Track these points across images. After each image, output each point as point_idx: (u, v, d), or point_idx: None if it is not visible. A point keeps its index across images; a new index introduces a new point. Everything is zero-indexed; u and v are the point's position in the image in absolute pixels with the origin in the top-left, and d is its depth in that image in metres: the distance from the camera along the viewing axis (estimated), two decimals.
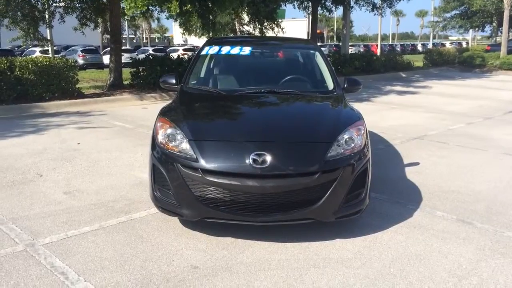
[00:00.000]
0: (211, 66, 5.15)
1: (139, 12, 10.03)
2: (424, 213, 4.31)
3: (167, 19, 14.62)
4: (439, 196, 4.76)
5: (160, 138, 3.74)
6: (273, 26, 16.77)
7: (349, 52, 23.45)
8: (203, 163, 3.42)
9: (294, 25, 49.81)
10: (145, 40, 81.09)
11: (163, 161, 3.62)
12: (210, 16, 11.92)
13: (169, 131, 3.73)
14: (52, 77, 10.43)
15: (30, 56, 14.85)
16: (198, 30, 12.52)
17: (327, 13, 20.44)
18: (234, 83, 4.82)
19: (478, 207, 4.45)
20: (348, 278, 3.12)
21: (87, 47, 31.91)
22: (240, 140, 3.56)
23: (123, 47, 35.62)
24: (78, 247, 3.52)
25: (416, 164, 5.98)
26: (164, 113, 4.07)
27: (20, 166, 5.63)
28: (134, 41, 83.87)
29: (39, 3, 13.88)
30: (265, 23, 16.28)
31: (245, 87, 4.62)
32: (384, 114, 10.20)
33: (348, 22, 21.38)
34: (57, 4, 14.71)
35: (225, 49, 5.03)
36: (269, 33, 16.87)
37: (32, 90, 10.13)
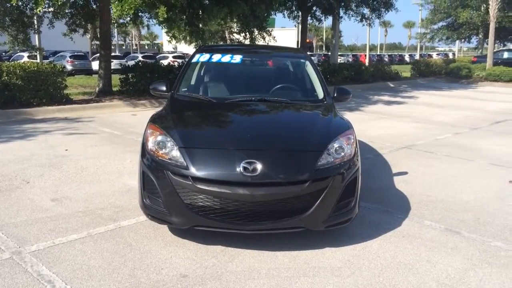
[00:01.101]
0: (202, 74, 5.15)
1: (126, 17, 9.99)
2: (413, 222, 4.34)
3: (154, 25, 14.58)
4: (427, 206, 4.79)
5: (150, 145, 3.72)
6: (264, 35, 16.87)
7: (338, 61, 23.69)
8: (193, 170, 3.41)
9: (284, 34, 50.09)
10: (134, 47, 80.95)
11: (153, 168, 3.60)
12: (200, 24, 11.94)
13: (159, 138, 3.72)
14: (40, 83, 10.35)
15: (18, 61, 14.69)
16: (187, 38, 12.51)
17: (317, 23, 20.60)
18: (225, 91, 4.82)
19: (466, 217, 4.49)
20: (338, 287, 3.13)
21: (75, 53, 31.69)
22: (231, 148, 3.56)
23: (113, 54, 35.47)
24: (65, 255, 3.47)
25: (404, 173, 6.02)
26: (155, 120, 4.06)
27: (6, 173, 5.55)
28: (124, 47, 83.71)
29: (27, 8, 13.79)
30: (256, 33, 16.36)
31: (236, 95, 4.63)
32: (373, 123, 10.28)
33: (337, 32, 21.58)
34: (46, 10, 14.61)
35: (216, 57, 5.04)
36: (260, 42, 16.96)
37: (19, 95, 10.04)
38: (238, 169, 3.36)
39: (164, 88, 4.77)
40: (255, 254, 3.58)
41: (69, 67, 29.69)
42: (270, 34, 17.24)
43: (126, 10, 9.93)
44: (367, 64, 27.14)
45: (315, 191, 3.46)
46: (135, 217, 4.22)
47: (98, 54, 30.59)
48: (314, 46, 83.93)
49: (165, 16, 10.20)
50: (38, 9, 10.28)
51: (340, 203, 3.61)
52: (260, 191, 3.35)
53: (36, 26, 14.45)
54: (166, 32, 12.35)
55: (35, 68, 10.31)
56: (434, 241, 3.93)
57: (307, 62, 5.18)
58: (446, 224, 4.31)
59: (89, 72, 27.75)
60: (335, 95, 4.87)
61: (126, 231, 3.93)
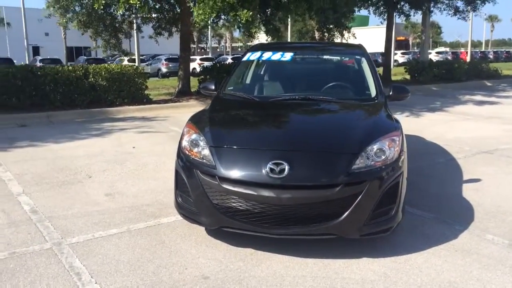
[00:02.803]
0: (251, 72, 5.08)
1: (207, 20, 10.19)
2: (472, 235, 3.88)
3: (233, 26, 14.79)
4: (495, 218, 4.27)
5: (184, 143, 3.72)
6: (343, 32, 16.34)
7: (436, 59, 22.25)
8: (220, 170, 3.34)
9: (376, 32, 48.39)
10: (228, 49, 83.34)
11: (184, 167, 3.59)
12: (277, 23, 11.85)
13: (193, 136, 3.70)
14: (123, 84, 10.98)
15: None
16: (266, 36, 12.46)
17: (404, 18, 19.53)
18: (271, 89, 4.70)
19: None
20: None
21: (171, 56, 33.29)
22: (260, 148, 3.44)
23: (205, 56, 36.62)
24: (100, 248, 3.59)
25: (477, 180, 5.45)
26: (192, 119, 4.06)
27: (74, 167, 5.92)
28: (218, 50, 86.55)
29: (118, 15, 14.73)
30: (334, 30, 15.91)
31: (282, 94, 4.49)
32: (455, 124, 9.50)
33: (428, 27, 20.34)
34: (135, 16, 15.48)
35: (267, 55, 4.93)
36: (339, 40, 16.48)
37: (104, 95, 10.73)
38: (264, 170, 3.23)
39: (213, 87, 4.77)
40: (285, 260, 3.42)
41: (164, 69, 31.41)
42: (349, 31, 16.65)
43: (207, 13, 10.14)
44: (468, 61, 25.26)
45: (348, 196, 3.22)
46: (176, 215, 4.22)
47: (192, 57, 31.69)
48: (411, 43, 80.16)
49: (249, 18, 10.24)
50: (119, 12, 10.88)
51: (378, 211, 3.32)
52: (287, 194, 3.19)
53: (125, 31, 15.38)
54: (243, 32, 12.44)
55: (119, 70, 10.96)
56: (492, 257, 3.47)
57: (363, 59, 4.87)
58: (511, 239, 3.80)
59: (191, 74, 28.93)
60: (391, 93, 4.53)
61: (164, 228, 3.98)
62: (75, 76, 10.36)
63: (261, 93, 4.65)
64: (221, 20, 12.07)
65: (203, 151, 3.54)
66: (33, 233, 3.86)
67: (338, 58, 5.27)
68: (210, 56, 43.05)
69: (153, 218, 4.22)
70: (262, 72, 5.09)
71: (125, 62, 33.87)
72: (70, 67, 10.77)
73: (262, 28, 11.83)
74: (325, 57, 5.32)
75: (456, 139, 7.90)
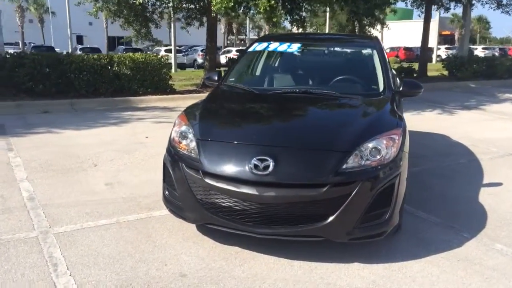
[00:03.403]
0: (254, 64, 4.89)
1: (225, 9, 10.04)
2: (479, 244, 3.59)
3: (253, 16, 14.49)
4: (508, 226, 3.95)
5: (173, 134, 3.61)
6: (376, 24, 15.77)
7: (481, 55, 21.17)
8: (204, 164, 3.20)
9: (421, 26, 46.75)
10: None
11: (171, 159, 3.47)
12: (304, 13, 11.53)
13: (183, 128, 3.57)
14: (147, 73, 10.99)
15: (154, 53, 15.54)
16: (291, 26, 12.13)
17: (443, 12, 18.73)
18: (272, 81, 4.51)
19: None
20: None
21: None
22: (245, 143, 3.27)
23: (242, 48, 36.46)
24: (84, 239, 3.52)
25: (497, 184, 5.08)
26: (186, 110, 3.93)
27: (82, 155, 5.93)
28: None
29: (149, 4, 14.79)
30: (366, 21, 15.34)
31: (282, 87, 4.29)
32: (487, 124, 8.99)
33: (469, 21, 19.45)
34: (166, 5, 15.49)
35: (273, 46, 4.74)
36: (373, 32, 15.92)
37: (128, 84, 10.78)
38: (248, 166, 3.06)
39: (216, 78, 4.62)
40: (271, 261, 3.25)
41: (200, 60, 31.54)
42: (384, 23, 16.03)
43: (225, 2, 10.01)
44: None
45: (337, 197, 3.01)
46: None
47: (227, 48, 31.50)
48: (456, 38, 77.24)
49: (267, 7, 10.05)
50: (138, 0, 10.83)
51: (370, 214, 3.10)
52: (271, 192, 3.01)
53: (156, 21, 15.41)
54: (267, 23, 12.20)
55: (143, 60, 10.97)
56: (497, 270, 3.19)
57: (374, 52, 4.59)
58: None
59: (217, 65, 28.99)
60: (401, 89, 4.25)
61: (153, 222, 3.88)
62: (100, 64, 10.44)
63: (262, 85, 4.47)
64: (241, 9, 11.81)
65: (191, 144, 3.40)
66: (24, 220, 3.85)
67: (348, 50, 4.99)
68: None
69: (146, 210, 4.13)
70: (265, 64, 4.90)
71: (162, 52, 34.53)
72: (95, 56, 10.87)
73: (288, 17, 11.55)
74: (333, 49, 5.07)
75: (484, 139, 7.45)
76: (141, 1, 11.28)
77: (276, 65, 4.89)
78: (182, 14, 15.66)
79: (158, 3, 14.74)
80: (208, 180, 3.15)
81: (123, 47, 38.18)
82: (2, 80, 9.78)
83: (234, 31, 71.05)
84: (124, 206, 4.22)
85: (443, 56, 38.91)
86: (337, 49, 5.06)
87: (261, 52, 4.88)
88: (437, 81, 16.72)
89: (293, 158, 3.13)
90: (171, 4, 15.40)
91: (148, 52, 21.28)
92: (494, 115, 10.27)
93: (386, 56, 4.69)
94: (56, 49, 36.81)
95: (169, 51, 28.88)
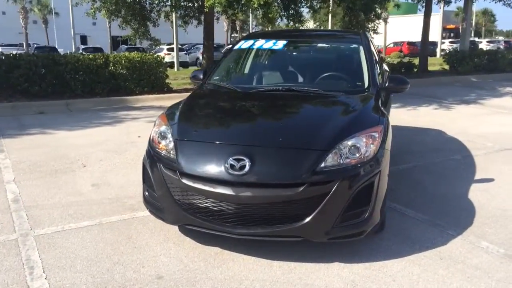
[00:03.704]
0: (239, 61, 4.83)
1: (218, 6, 9.97)
2: (465, 242, 3.53)
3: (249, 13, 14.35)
4: (496, 223, 3.88)
5: (153, 135, 3.56)
6: (373, 19, 15.58)
7: (487, 48, 20.93)
8: (180, 164, 3.15)
9: (422, 20, 46.27)
10: None
11: (150, 160, 3.44)
12: (300, 7, 11.39)
13: (162, 128, 3.54)
14: (143, 72, 10.95)
15: (157, 53, 15.49)
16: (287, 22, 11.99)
17: (444, 5, 18.53)
18: (255, 79, 4.45)
19: None
20: None
21: None
22: (222, 142, 3.23)
23: None
24: (64, 241, 3.49)
25: (489, 180, 5.01)
26: (167, 110, 3.89)
27: (72, 156, 5.91)
28: None
29: (147, 3, 14.75)
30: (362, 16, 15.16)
31: (264, 85, 4.24)
32: (484, 119, 8.89)
33: (469, 15, 19.25)
34: (164, 4, 15.46)
35: (258, 44, 4.68)
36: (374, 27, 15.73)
37: (124, 84, 10.76)
38: (224, 166, 3.01)
39: (201, 77, 4.58)
40: (250, 262, 3.21)
41: (202, 58, 31.53)
42: (380, 17, 15.80)
43: None
44: None
45: (314, 196, 2.96)
46: None
47: (229, 46, 31.31)
48: (461, 31, 76.65)
49: (261, 2, 9.94)
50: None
51: (348, 213, 3.04)
52: (246, 192, 2.96)
53: (154, 19, 15.37)
54: (262, 18, 12.10)
55: (139, 59, 10.93)
56: (480, 268, 3.13)
57: (360, 47, 4.52)
58: (508, 248, 3.42)
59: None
60: (387, 84, 4.19)
61: (136, 223, 3.85)
62: (96, 64, 10.42)
63: (245, 84, 4.42)
64: (234, 5, 11.68)
65: (170, 145, 3.36)
66: (6, 222, 3.83)
67: (333, 46, 4.92)
68: None
69: (130, 211, 4.10)
70: (249, 62, 4.84)
71: (164, 51, 34.68)
72: (90, 56, 10.85)
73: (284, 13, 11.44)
74: (319, 45, 4.99)
75: (481, 134, 7.36)
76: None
77: (261, 63, 4.83)
78: (180, 12, 15.64)
79: (156, 2, 14.72)
80: (185, 181, 3.11)
81: (125, 46, 38.27)
82: None
83: (238, 28, 71.00)
84: (108, 207, 4.19)
85: (448, 50, 38.67)
86: (322, 45, 4.99)
87: (246, 50, 4.82)
88: (437, 75, 16.59)
89: (269, 157, 3.08)
90: (169, 2, 15.41)
91: (151, 52, 21.26)
92: (493, 109, 10.17)
93: (375, 52, 4.61)
94: (59, 50, 36.99)
95: (172, 49, 28.90)
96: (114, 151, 6.17)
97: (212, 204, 3.07)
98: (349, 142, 3.14)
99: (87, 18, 14.59)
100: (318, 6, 12.72)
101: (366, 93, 3.96)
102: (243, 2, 9.77)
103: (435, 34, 41.92)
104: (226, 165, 3.01)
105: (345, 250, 3.32)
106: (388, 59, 23.26)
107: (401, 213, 4.07)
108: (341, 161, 3.07)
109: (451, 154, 6.16)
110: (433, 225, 3.82)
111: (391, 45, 44.66)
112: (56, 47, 40.88)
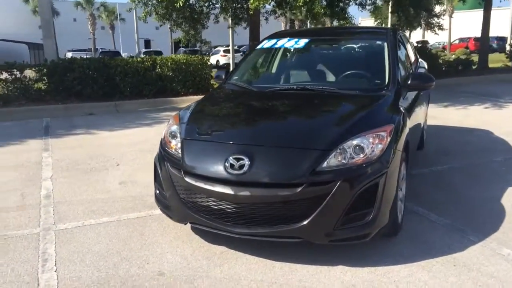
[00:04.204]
0: (259, 61, 4.83)
1: (263, 7, 9.99)
2: (485, 248, 3.31)
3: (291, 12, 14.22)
4: None
5: (164, 134, 3.65)
6: (424, 15, 14.90)
7: None
8: (184, 163, 3.21)
9: (496, 14, 43.73)
10: None
11: (159, 159, 3.52)
12: (346, 4, 11.18)
13: (173, 128, 3.61)
14: (188, 74, 11.21)
15: (214, 55, 15.69)
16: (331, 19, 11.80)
17: None
18: (274, 79, 4.43)
19: None
20: None
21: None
22: (224, 141, 3.24)
23: None
24: (81, 236, 3.66)
25: None
26: (183, 110, 3.96)
27: (109, 155, 6.16)
28: None
29: (197, 6, 15.08)
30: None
31: (281, 84, 4.20)
32: None
33: None
34: (213, 6, 15.71)
35: (280, 43, 4.65)
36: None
37: (170, 85, 11.06)
38: (224, 165, 3.03)
39: (223, 76, 4.63)
40: (252, 261, 3.20)
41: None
42: (431, 13, 15.01)
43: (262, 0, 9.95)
44: None
45: (313, 197, 2.90)
46: None
47: None
48: None
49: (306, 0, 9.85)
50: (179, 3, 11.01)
51: (351, 215, 2.96)
52: (245, 192, 2.96)
53: (203, 22, 15.68)
54: (306, 15, 11.97)
55: (185, 61, 11.20)
56: (494, 277, 2.93)
57: (385, 44, 4.36)
58: None
59: None
60: (409, 82, 4.02)
61: (151, 220, 3.95)
62: (143, 67, 10.80)
63: (263, 83, 4.40)
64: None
65: (178, 144, 3.43)
66: (33, 217, 4.06)
67: (356, 44, 4.78)
68: None
69: (148, 208, 4.21)
70: (270, 61, 4.81)
71: (221, 53, 35.42)
72: (138, 59, 11.25)
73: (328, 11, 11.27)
74: (341, 43, 4.85)
75: None
76: (181, 4, 11.45)
77: (281, 62, 4.79)
78: (229, 14, 15.84)
79: (205, 5, 15.00)
80: (188, 179, 3.16)
81: (183, 49, 39.39)
82: (54, 85, 10.39)
83: (296, 28, 70.91)
84: (129, 204, 4.33)
85: None
86: (345, 43, 4.85)
87: (268, 50, 4.80)
88: (498, 73, 15.64)
89: (269, 157, 3.06)
90: (218, 4, 15.65)
91: (210, 54, 21.44)
92: None
93: (407, 49, 4.41)
94: (123, 54, 38.66)
95: (228, 51, 29.41)
96: (148, 151, 6.35)
97: (213, 203, 3.09)
98: (354, 142, 3.04)
99: (151, 23, 15.16)
100: (365, 2, 12.38)
101: (383, 91, 3.82)
102: (288, 1, 9.73)
103: (505, 29, 39.48)
104: (226, 164, 3.02)
105: (353, 254, 3.23)
106: (453, 56, 22.18)
107: (422, 217, 3.89)
108: (345, 161, 2.98)
109: (493, 155, 5.80)
110: (454, 230, 3.62)
111: (457, 42, 42.72)
112: (121, 51, 42.89)
